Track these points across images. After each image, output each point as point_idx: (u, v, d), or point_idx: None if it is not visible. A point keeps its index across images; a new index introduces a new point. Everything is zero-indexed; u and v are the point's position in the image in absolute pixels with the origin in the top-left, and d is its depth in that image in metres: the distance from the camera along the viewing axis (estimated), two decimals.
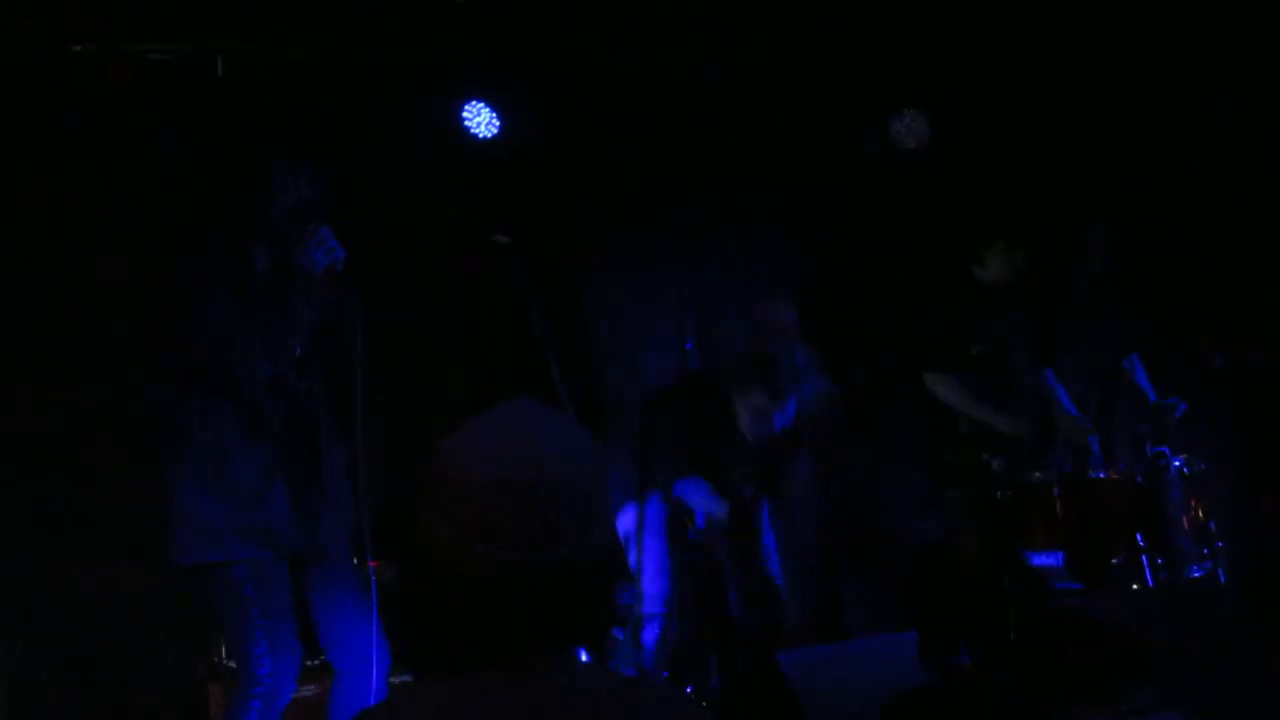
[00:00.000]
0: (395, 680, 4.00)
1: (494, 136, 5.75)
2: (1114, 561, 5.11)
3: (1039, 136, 6.33)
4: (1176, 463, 5.25)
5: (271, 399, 3.78)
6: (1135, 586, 5.05)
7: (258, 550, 3.70)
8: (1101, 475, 5.37)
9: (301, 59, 5.32)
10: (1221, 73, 5.89)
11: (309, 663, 4.19)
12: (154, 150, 5.25)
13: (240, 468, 3.72)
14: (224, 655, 4.71)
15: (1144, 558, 5.06)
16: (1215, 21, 5.73)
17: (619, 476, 5.48)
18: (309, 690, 4.23)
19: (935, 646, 4.11)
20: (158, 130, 5.25)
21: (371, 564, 3.77)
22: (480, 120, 5.71)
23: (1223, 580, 5.13)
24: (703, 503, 5.37)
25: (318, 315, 3.84)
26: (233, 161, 4.02)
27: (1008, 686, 4.00)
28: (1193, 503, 5.24)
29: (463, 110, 5.71)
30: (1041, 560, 5.18)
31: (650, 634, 5.23)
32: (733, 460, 5.52)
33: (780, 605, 5.45)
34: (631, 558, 5.29)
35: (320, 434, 3.90)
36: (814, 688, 3.83)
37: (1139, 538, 5.09)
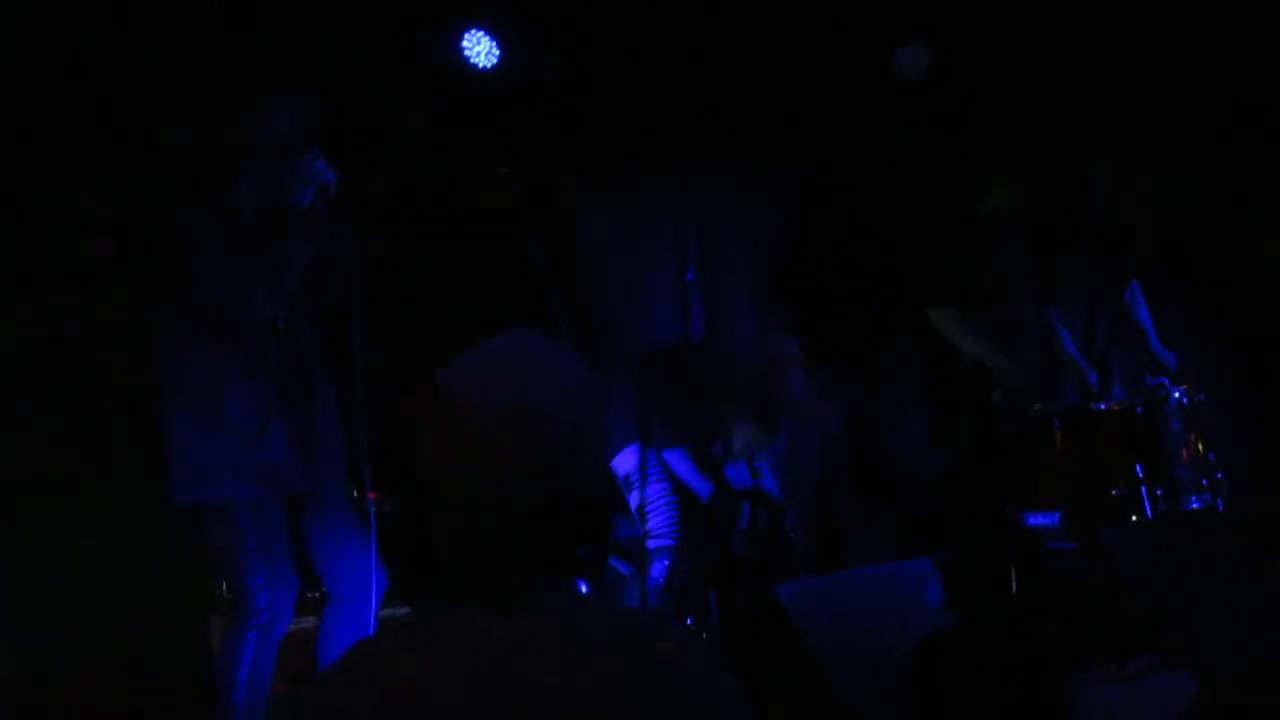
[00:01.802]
0: (387, 612, 4.03)
1: (494, 66, 5.69)
2: (1114, 493, 5.12)
3: (1043, 69, 6.27)
4: (1176, 394, 5.25)
5: (268, 338, 3.78)
6: (1134, 518, 5.06)
7: (255, 489, 3.72)
8: (1102, 407, 5.37)
9: None
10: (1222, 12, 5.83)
11: (308, 595, 4.22)
12: (146, 78, 5.18)
13: (238, 407, 3.73)
14: (223, 587, 4.73)
15: (1143, 489, 5.07)
16: None
17: (620, 412, 5.48)
18: (307, 622, 4.27)
19: (958, 581, 4.10)
20: (147, 52, 5.15)
21: (370, 496, 3.78)
22: (480, 50, 5.64)
23: (1221, 511, 5.15)
24: (688, 478, 5.37)
25: (311, 253, 3.82)
26: (223, 97, 3.99)
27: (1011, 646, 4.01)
28: (1192, 435, 5.24)
29: (462, 39, 5.64)
30: (1037, 520, 5.19)
31: (658, 569, 5.25)
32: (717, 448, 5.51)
33: (788, 541, 5.45)
34: (635, 497, 5.30)
35: (315, 371, 3.90)
36: (813, 618, 3.84)
37: (1138, 469, 5.10)
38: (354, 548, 3.92)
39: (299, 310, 3.89)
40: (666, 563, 5.17)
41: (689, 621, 5.14)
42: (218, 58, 4.99)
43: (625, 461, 5.31)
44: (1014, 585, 4.97)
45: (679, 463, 5.34)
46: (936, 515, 5.52)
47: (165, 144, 4.64)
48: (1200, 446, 5.23)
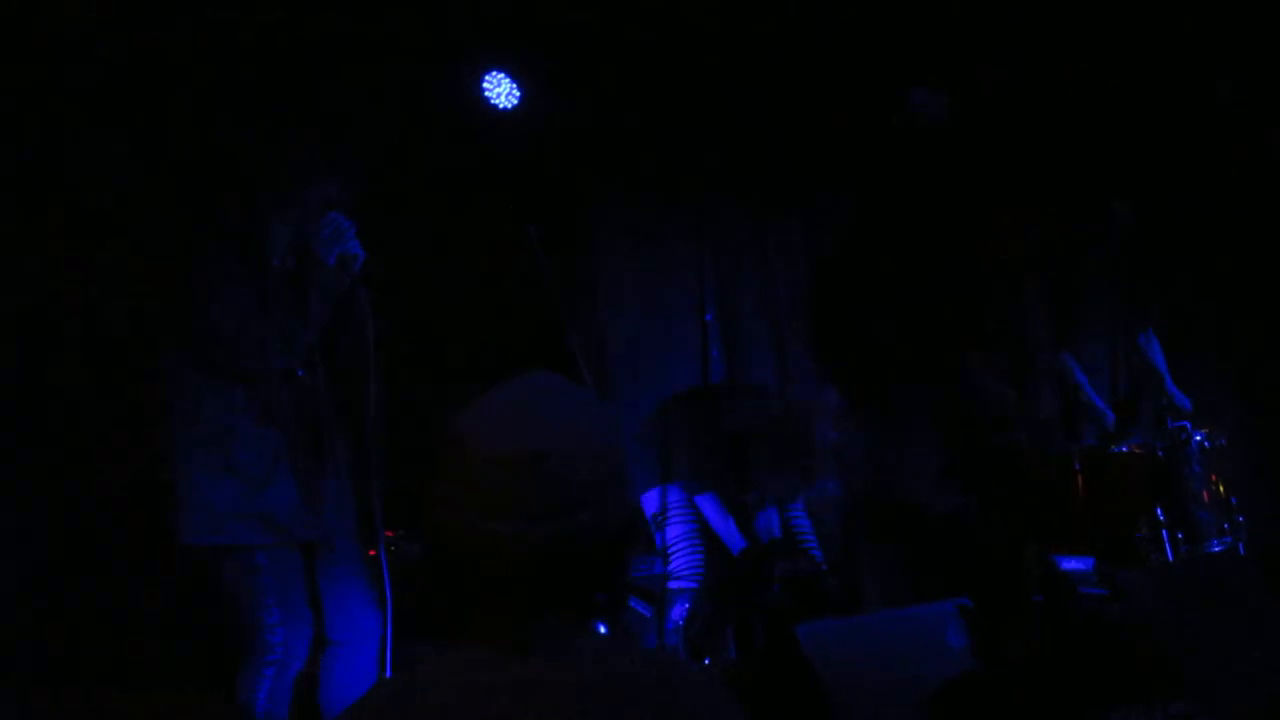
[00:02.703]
0: (406, 650, 4.03)
1: (514, 107, 5.72)
2: (1136, 536, 5.10)
3: (1059, 111, 6.28)
4: (1198, 437, 5.24)
5: (282, 388, 3.82)
6: (1156, 560, 5.04)
7: (260, 536, 3.75)
8: (1123, 449, 5.36)
9: (320, 30, 5.29)
10: (1234, 49, 5.85)
11: (321, 637, 4.22)
12: (174, 128, 5.22)
13: (247, 454, 3.76)
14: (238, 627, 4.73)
15: (1164, 532, 5.06)
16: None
17: (645, 451, 5.48)
18: (320, 662, 4.26)
19: (980, 626, 4.06)
20: (178, 101, 5.21)
21: (387, 534, 3.80)
22: (501, 91, 5.68)
23: (1243, 554, 5.12)
24: (718, 525, 5.36)
25: (330, 308, 3.87)
26: (258, 150, 4.04)
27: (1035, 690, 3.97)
28: (1213, 477, 5.23)
29: (483, 81, 5.67)
30: (1070, 565, 5.17)
31: (678, 611, 5.24)
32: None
33: (826, 590, 5.42)
34: (659, 537, 5.29)
35: (328, 422, 3.94)
36: (832, 662, 3.82)
37: (1159, 512, 5.08)
38: (358, 595, 3.95)
39: (315, 363, 3.93)
40: (687, 605, 5.16)
41: (706, 662, 5.12)
42: (248, 103, 5.03)
43: (652, 501, 5.32)
44: (1040, 629, 4.95)
45: (710, 508, 5.34)
46: (955, 557, 5.50)
47: (198, 189, 4.68)
48: (1221, 489, 5.21)
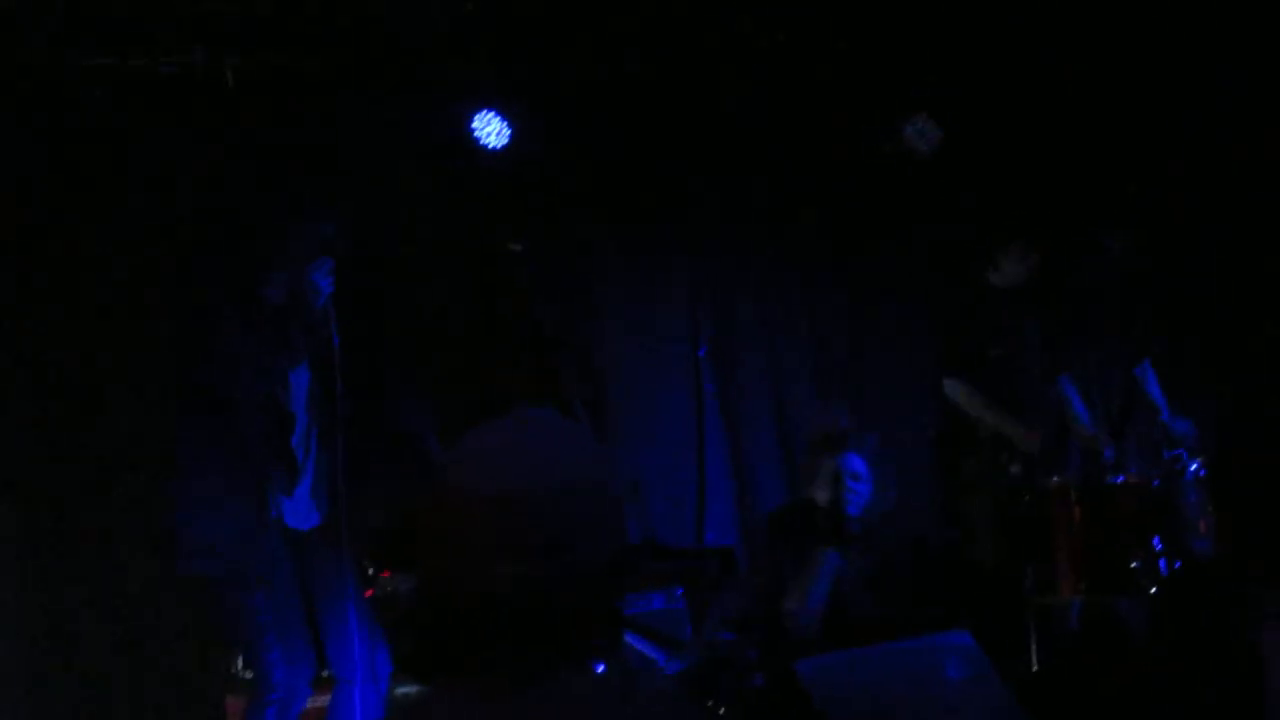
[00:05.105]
0: (401, 691, 4.04)
1: (504, 146, 5.73)
2: (1132, 565, 5.09)
3: (1054, 139, 6.30)
4: (1193, 466, 5.23)
5: (262, 416, 3.87)
6: (1152, 590, 5.03)
7: (249, 567, 3.77)
8: (1119, 480, 5.36)
9: (309, 71, 5.31)
10: (1229, 74, 5.87)
11: (323, 674, 4.22)
12: (168, 169, 5.23)
13: (236, 487, 3.79)
14: (240, 666, 4.73)
15: (1161, 562, 5.04)
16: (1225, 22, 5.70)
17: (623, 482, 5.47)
18: (324, 699, 4.27)
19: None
20: (169, 147, 5.23)
21: (383, 575, 3.82)
22: (491, 130, 5.69)
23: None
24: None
25: (310, 342, 3.96)
26: (253, 196, 4.15)
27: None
28: (1209, 506, 5.22)
29: (473, 120, 5.69)
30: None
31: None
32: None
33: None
34: None
35: (307, 454, 4.00)
36: (832, 695, 3.81)
37: (1155, 542, 5.07)
38: (354, 631, 3.96)
39: (293, 394, 4.01)
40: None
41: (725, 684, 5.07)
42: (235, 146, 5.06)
43: None
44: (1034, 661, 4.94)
45: None
46: (950, 589, 5.48)
47: (197, 226, 4.72)
48: (1217, 518, 5.20)
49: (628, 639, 4.72)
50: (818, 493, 5.10)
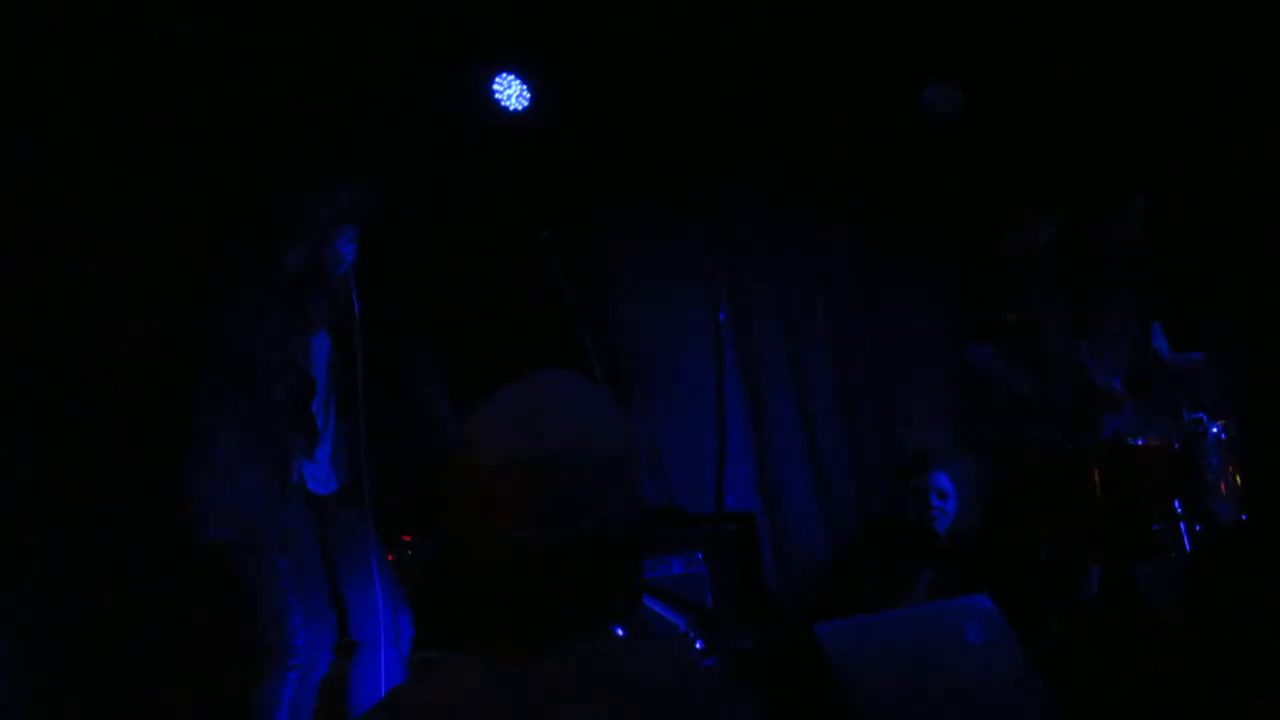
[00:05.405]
0: (420, 656, 4.06)
1: (524, 109, 5.70)
2: (1153, 529, 5.08)
3: (1076, 103, 6.26)
4: (1214, 429, 5.22)
5: (280, 384, 3.87)
6: (1174, 554, 5.02)
7: (270, 533, 3.78)
8: (1140, 442, 5.34)
9: (327, 36, 5.29)
10: (1229, 74, 5.84)
11: (345, 639, 4.24)
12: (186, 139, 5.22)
13: (257, 453, 3.80)
14: (261, 632, 4.75)
15: (1182, 524, 5.04)
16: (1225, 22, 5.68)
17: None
18: (346, 665, 4.28)
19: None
20: (188, 116, 5.22)
21: (405, 539, 3.83)
22: (511, 93, 5.66)
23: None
24: None
25: (329, 311, 3.96)
26: (272, 162, 4.14)
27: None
28: (1230, 468, 5.20)
29: (493, 83, 5.66)
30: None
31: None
32: None
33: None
34: None
35: (327, 420, 4.01)
36: (851, 658, 3.80)
37: (1176, 505, 5.06)
38: (377, 595, 3.98)
39: (315, 363, 4.01)
40: None
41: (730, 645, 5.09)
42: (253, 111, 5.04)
43: None
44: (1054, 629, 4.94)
45: None
46: (972, 554, 5.48)
47: (220, 194, 4.72)
48: (1239, 480, 5.18)
49: (647, 603, 4.74)
50: (909, 509, 5.26)
